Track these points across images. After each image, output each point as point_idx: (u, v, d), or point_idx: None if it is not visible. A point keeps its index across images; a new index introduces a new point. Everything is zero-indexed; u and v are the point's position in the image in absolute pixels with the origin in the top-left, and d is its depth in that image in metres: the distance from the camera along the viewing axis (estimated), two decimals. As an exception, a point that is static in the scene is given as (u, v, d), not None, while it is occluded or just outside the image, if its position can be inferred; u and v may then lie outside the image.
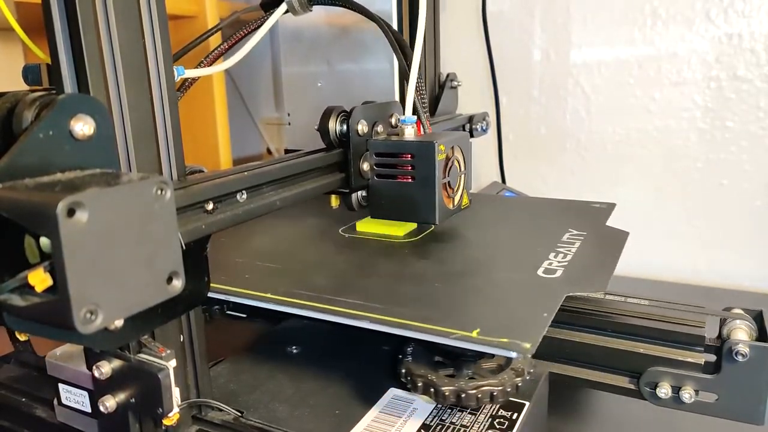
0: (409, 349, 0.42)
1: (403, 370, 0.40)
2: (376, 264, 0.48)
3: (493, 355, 0.41)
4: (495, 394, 0.38)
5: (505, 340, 0.33)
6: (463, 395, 0.37)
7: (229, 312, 0.56)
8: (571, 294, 0.40)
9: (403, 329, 0.36)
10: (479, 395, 0.37)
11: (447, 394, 0.38)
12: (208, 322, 0.50)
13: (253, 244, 0.55)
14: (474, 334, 0.34)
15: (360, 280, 0.44)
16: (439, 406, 0.40)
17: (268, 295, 0.41)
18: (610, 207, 0.61)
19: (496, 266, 0.47)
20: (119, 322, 0.26)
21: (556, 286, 0.42)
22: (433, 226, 0.57)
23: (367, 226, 0.56)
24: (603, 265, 0.46)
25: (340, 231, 0.57)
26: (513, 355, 0.33)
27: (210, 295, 0.42)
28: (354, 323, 0.38)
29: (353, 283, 0.44)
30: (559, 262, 0.46)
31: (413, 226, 0.56)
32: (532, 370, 0.40)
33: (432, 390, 0.38)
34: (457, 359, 0.41)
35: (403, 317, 0.37)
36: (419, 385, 0.39)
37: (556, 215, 0.60)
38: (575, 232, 0.54)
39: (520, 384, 0.39)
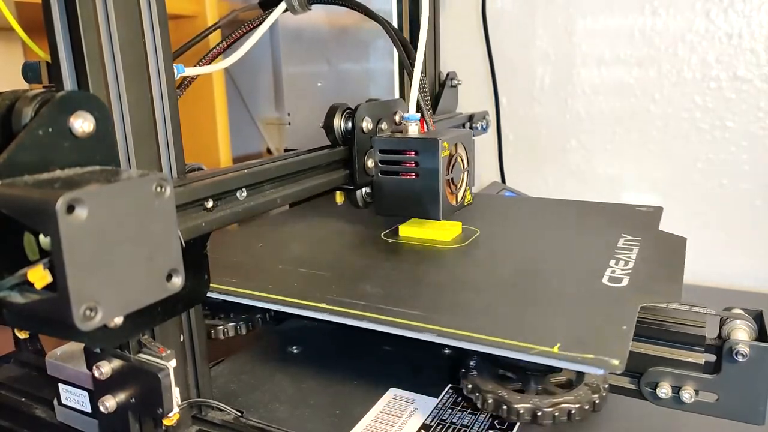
0: (472, 363, 0.40)
1: (470, 385, 0.38)
2: (427, 271, 0.46)
3: (561, 369, 0.39)
4: (573, 412, 0.36)
5: (590, 356, 0.32)
6: (539, 413, 0.36)
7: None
8: (644, 305, 0.39)
9: (476, 344, 0.34)
10: (556, 413, 0.36)
11: (522, 412, 0.36)
12: (251, 332, 0.48)
13: (292, 250, 0.54)
14: (555, 349, 0.32)
15: (413, 289, 0.42)
16: (440, 405, 0.40)
17: (323, 306, 0.39)
18: (658, 211, 0.59)
19: (554, 273, 0.45)
20: (119, 320, 0.26)
21: (627, 295, 0.40)
22: (478, 231, 0.55)
23: (411, 230, 0.55)
24: (669, 273, 0.44)
25: (382, 236, 0.55)
26: (600, 372, 0.31)
27: (258, 304, 0.41)
28: (420, 336, 0.36)
29: (407, 292, 0.42)
30: (621, 269, 0.44)
31: (458, 230, 0.55)
32: (607, 386, 0.39)
33: (504, 407, 0.36)
34: (524, 373, 0.39)
35: (473, 330, 0.35)
36: (489, 401, 0.37)
37: (603, 219, 0.58)
38: (629, 237, 0.52)
39: (597, 401, 0.37)
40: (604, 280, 0.43)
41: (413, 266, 0.47)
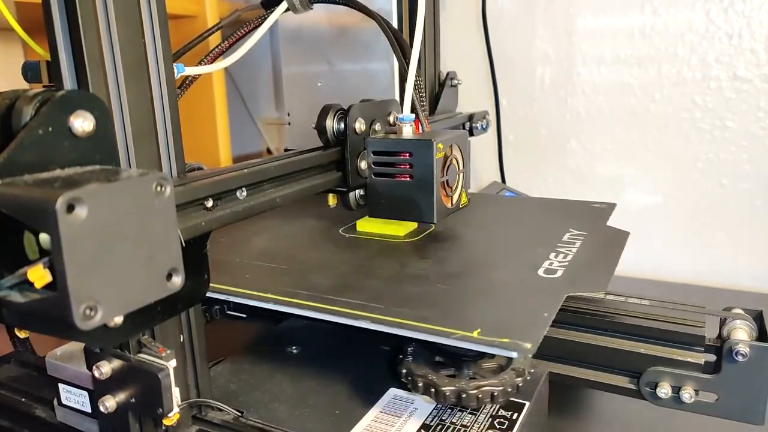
0: (409, 349, 0.42)
1: (404, 371, 0.40)
2: (377, 264, 0.47)
3: (493, 356, 0.41)
4: (496, 394, 0.37)
5: (506, 340, 0.33)
6: (463, 395, 0.37)
7: (229, 312, 0.56)
8: (571, 294, 0.40)
9: (404, 329, 0.36)
10: (480, 395, 0.37)
11: (447, 394, 0.38)
12: (209, 322, 0.50)
13: (252, 244, 0.55)
14: (475, 334, 0.34)
15: (360, 280, 0.44)
16: (440, 406, 0.40)
17: (269, 295, 0.41)
18: (611, 207, 0.61)
19: (496, 266, 0.46)
20: (119, 319, 0.26)
21: (557, 286, 0.42)
22: (433, 225, 0.56)
23: (368, 225, 0.56)
24: (604, 265, 0.46)
25: (340, 231, 0.56)
26: (514, 355, 0.33)
27: (210, 295, 0.42)
28: (354, 323, 0.38)
29: (354, 283, 0.43)
30: (559, 262, 0.46)
31: (413, 225, 0.56)
32: (532, 370, 0.40)
33: (432, 390, 0.38)
34: (457, 359, 0.41)
35: (404, 317, 0.37)
36: (420, 385, 0.39)
37: (556, 215, 0.60)
38: (576, 232, 0.53)
39: (520, 384, 0.38)
40: (540, 272, 0.44)
41: (364, 259, 0.49)
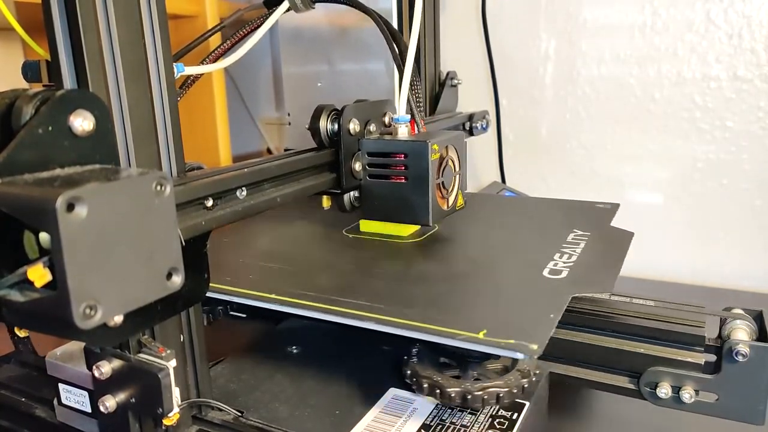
0: (414, 350, 0.42)
1: (409, 371, 0.40)
2: (381, 264, 0.47)
3: (498, 357, 0.41)
4: (501, 395, 0.37)
5: (511, 341, 0.33)
6: (468, 396, 0.37)
7: (232, 313, 0.55)
8: (577, 295, 0.40)
9: (409, 330, 0.36)
10: (485, 396, 0.37)
11: (453, 395, 0.37)
12: (211, 323, 0.50)
13: (256, 244, 0.55)
14: (480, 335, 0.34)
15: (364, 281, 0.44)
16: (440, 406, 0.40)
17: (272, 296, 0.41)
18: (615, 207, 0.61)
19: (501, 267, 0.46)
20: (119, 318, 0.26)
21: (562, 286, 0.41)
22: (436, 226, 0.56)
23: (371, 225, 0.55)
24: (608, 265, 0.46)
25: (344, 231, 0.56)
26: (520, 356, 0.33)
27: (212, 295, 0.42)
28: (359, 324, 0.38)
29: (358, 283, 0.43)
30: (564, 262, 0.46)
31: (417, 225, 0.55)
32: (538, 371, 0.40)
33: (437, 391, 0.38)
34: (462, 361, 0.41)
35: (409, 318, 0.37)
36: (425, 386, 0.39)
37: (560, 216, 0.60)
38: (580, 232, 0.53)
39: (526, 385, 0.38)
40: (545, 273, 0.44)
41: (368, 260, 0.49)
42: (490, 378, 0.39)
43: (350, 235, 0.55)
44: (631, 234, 0.52)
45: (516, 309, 0.39)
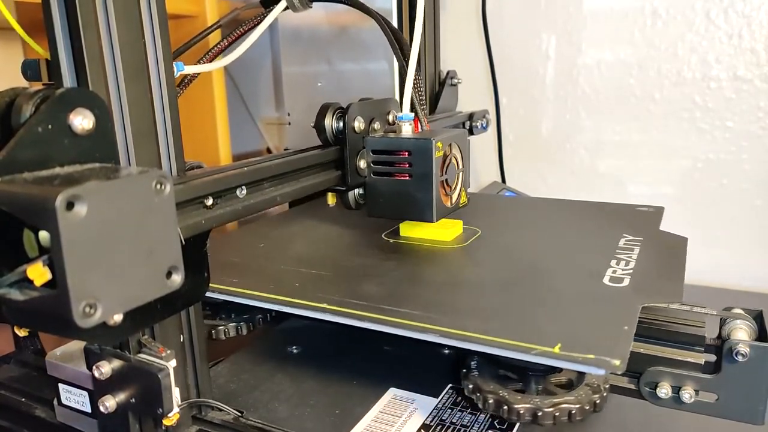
0: (473, 363, 0.40)
1: (471, 386, 0.39)
2: (429, 271, 0.46)
3: (561, 369, 0.39)
4: (573, 412, 0.36)
5: (591, 356, 0.31)
6: (539, 413, 0.36)
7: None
8: (646, 305, 0.39)
9: (478, 344, 0.34)
10: (556, 413, 0.36)
11: (522, 412, 0.36)
12: (251, 332, 0.49)
13: (293, 250, 0.53)
14: (556, 349, 0.32)
15: (414, 289, 0.42)
16: (440, 405, 0.40)
17: (324, 306, 0.39)
18: (659, 211, 0.59)
19: (556, 273, 0.45)
20: (118, 317, 0.26)
21: (628, 296, 0.40)
22: (479, 230, 0.55)
23: (412, 230, 0.54)
24: (671, 272, 0.44)
25: (383, 236, 0.55)
26: (602, 372, 0.31)
27: (260, 305, 0.41)
28: (421, 337, 0.36)
29: (408, 291, 0.42)
30: (623, 269, 0.45)
31: (459, 230, 0.55)
32: (607, 386, 0.39)
33: (505, 408, 0.36)
34: (524, 374, 0.39)
35: (473, 330, 0.35)
36: (490, 402, 0.37)
37: (604, 219, 0.58)
38: (630, 237, 0.52)
39: (597, 401, 0.37)
40: (606, 281, 0.43)
41: (414, 266, 0.47)
42: (554, 392, 0.38)
43: (391, 240, 0.54)
44: (685, 239, 0.51)
45: (586, 320, 0.37)
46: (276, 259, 0.50)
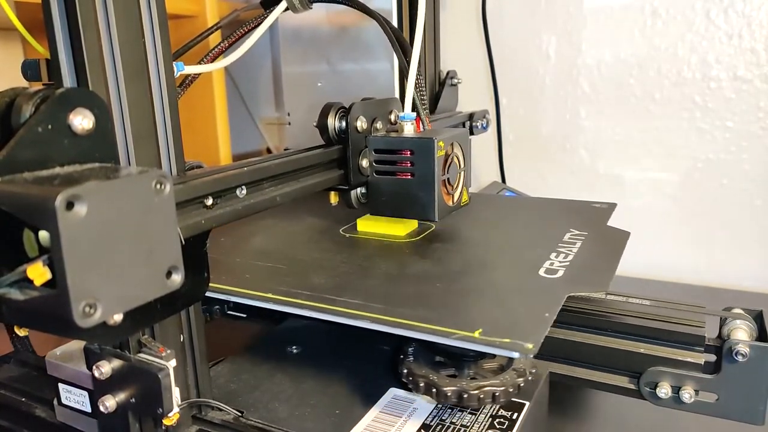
0: (410, 349, 0.42)
1: (405, 371, 0.40)
2: (377, 264, 0.47)
3: (494, 356, 0.41)
4: (497, 394, 0.37)
5: (507, 340, 0.33)
6: (465, 395, 0.37)
7: (229, 312, 0.55)
8: (572, 294, 0.40)
9: (404, 329, 0.36)
10: (481, 395, 0.37)
11: (449, 394, 0.37)
12: (208, 322, 0.50)
13: (252, 243, 0.55)
14: (476, 334, 0.34)
15: (360, 280, 0.44)
16: (440, 406, 0.40)
17: (269, 295, 0.41)
18: (611, 207, 0.61)
19: (497, 266, 0.46)
20: (118, 317, 0.26)
21: (558, 286, 0.41)
22: (433, 225, 0.56)
23: (368, 225, 0.56)
24: (604, 264, 0.46)
25: (341, 231, 0.56)
26: (515, 355, 0.33)
27: (210, 294, 0.41)
28: (354, 323, 0.38)
29: (354, 282, 0.43)
30: (560, 262, 0.46)
31: (414, 225, 0.56)
32: (534, 370, 0.40)
33: (434, 390, 0.38)
34: (458, 359, 0.41)
35: (404, 317, 0.37)
36: (421, 385, 0.39)
37: (557, 215, 0.60)
38: (576, 232, 0.53)
39: (522, 384, 0.38)
40: (541, 272, 0.44)
41: (364, 259, 0.49)
42: (486, 377, 0.39)
43: (347, 235, 0.55)
44: (627, 233, 0.52)
45: (511, 308, 0.38)
46: (234, 252, 0.52)
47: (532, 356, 0.32)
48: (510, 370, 0.39)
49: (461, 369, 0.41)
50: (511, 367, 0.40)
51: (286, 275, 0.46)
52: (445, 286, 0.42)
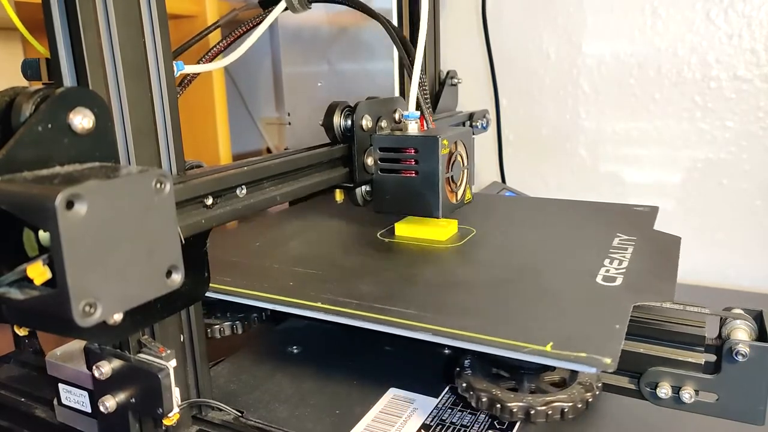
0: (466, 361, 0.40)
1: (464, 384, 0.39)
2: (422, 270, 0.46)
3: (554, 368, 0.40)
4: (566, 410, 0.36)
5: (583, 354, 0.32)
6: (532, 411, 0.36)
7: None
8: (638, 304, 0.39)
9: (470, 342, 0.34)
10: (549, 411, 0.36)
11: (515, 410, 0.36)
12: (247, 331, 0.48)
13: (288, 249, 0.53)
14: (548, 348, 0.33)
15: (408, 288, 0.42)
16: (440, 405, 0.40)
17: (318, 305, 0.40)
18: (654, 210, 0.59)
19: (549, 273, 0.45)
20: (118, 316, 0.26)
21: (620, 295, 0.40)
22: (474, 230, 0.56)
23: (407, 229, 0.55)
24: (663, 271, 0.44)
25: (378, 235, 0.55)
26: (593, 370, 0.31)
27: (254, 303, 0.41)
28: (414, 335, 0.36)
29: (402, 290, 0.42)
30: (615, 269, 0.45)
31: (454, 229, 0.55)
32: (600, 384, 0.39)
33: (498, 406, 0.36)
34: (517, 372, 0.40)
35: (465, 329, 0.35)
36: (483, 400, 0.37)
37: (599, 219, 0.58)
38: (624, 237, 0.52)
39: (590, 399, 0.37)
40: (598, 279, 0.43)
41: (408, 265, 0.47)
42: (547, 390, 0.38)
43: (386, 239, 0.54)
44: (678, 238, 0.51)
45: (577, 319, 0.37)
46: (270, 258, 0.50)
47: (611, 371, 0.31)
48: (576, 385, 0.38)
49: (521, 382, 0.39)
50: (576, 381, 0.38)
51: (329, 282, 0.44)
52: (500, 295, 0.41)
